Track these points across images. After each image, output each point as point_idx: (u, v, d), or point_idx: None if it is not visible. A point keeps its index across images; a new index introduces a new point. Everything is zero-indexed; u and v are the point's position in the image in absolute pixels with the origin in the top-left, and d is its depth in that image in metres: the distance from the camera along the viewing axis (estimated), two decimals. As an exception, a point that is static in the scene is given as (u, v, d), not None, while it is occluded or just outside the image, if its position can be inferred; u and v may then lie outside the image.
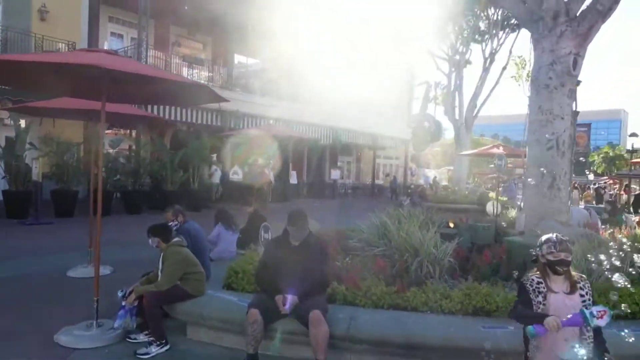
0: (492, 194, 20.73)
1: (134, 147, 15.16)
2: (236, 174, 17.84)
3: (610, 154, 55.62)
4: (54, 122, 13.36)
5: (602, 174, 46.16)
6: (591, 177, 36.19)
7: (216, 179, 16.85)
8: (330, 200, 22.78)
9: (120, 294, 4.24)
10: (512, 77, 21.23)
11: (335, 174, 23.30)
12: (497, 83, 21.40)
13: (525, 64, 17.48)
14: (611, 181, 31.40)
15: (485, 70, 20.88)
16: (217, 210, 5.96)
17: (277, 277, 3.81)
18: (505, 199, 18.41)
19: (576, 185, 23.18)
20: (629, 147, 26.11)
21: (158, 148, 14.55)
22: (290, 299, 3.66)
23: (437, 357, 3.57)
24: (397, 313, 3.97)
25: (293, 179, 22.07)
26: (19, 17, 14.15)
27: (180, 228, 5.00)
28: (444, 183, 34.16)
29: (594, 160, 58.58)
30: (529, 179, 6.22)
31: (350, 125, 24.22)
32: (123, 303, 4.17)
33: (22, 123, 11.78)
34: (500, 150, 11.61)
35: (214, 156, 16.45)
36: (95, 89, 4.38)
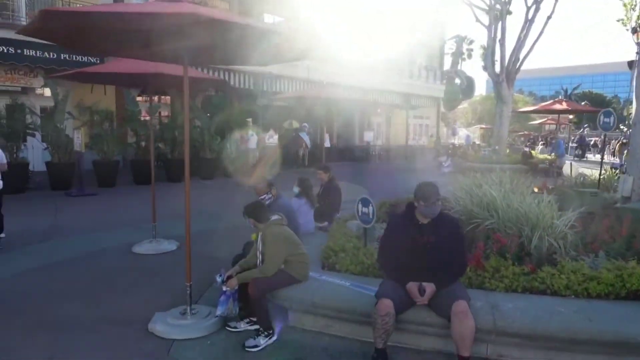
0: (540, 154, 19.88)
1: (170, 114, 14.64)
2: (272, 138, 17.32)
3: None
4: (91, 88, 12.91)
5: None
6: None
7: (252, 144, 16.34)
8: (366, 163, 22.19)
9: (219, 279, 3.81)
10: (618, 20, 19.11)
11: (368, 135, 22.56)
12: (541, 34, 19.95)
13: (635, 5, 15.60)
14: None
15: (529, 21, 19.42)
16: (298, 179, 5.40)
17: (404, 261, 3.31)
18: (552, 156, 17.58)
19: None
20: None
21: (196, 115, 14.00)
22: (428, 287, 3.17)
23: (604, 354, 3.07)
24: (542, 299, 3.45)
25: (327, 143, 21.42)
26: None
27: (272, 203, 4.50)
28: (477, 142, 33.18)
29: None
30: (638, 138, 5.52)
31: (381, 85, 23.22)
32: (224, 289, 3.75)
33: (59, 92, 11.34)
34: (564, 105, 10.67)
35: (249, 120, 15.86)
36: (173, 49, 3.78)
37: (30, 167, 11.15)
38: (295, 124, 19.10)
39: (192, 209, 4.29)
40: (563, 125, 39.35)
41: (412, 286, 3.21)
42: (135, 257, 6.10)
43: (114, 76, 6.36)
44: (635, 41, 11.15)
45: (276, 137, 17.54)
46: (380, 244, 3.62)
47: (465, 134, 27.27)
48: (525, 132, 40.62)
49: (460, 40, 33.98)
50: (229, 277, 3.80)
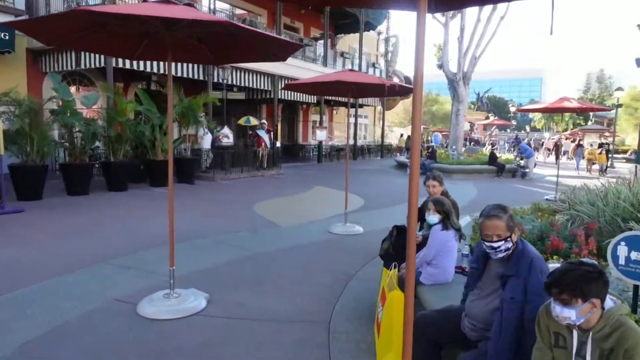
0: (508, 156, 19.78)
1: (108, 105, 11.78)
2: (227, 137, 15.04)
3: None
4: None
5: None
6: None
7: (206, 143, 13.98)
8: (323, 164, 20.69)
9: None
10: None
11: (321, 134, 20.91)
12: (493, 34, 19.88)
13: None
14: None
15: (479, 20, 19.25)
16: (433, 201, 3.55)
17: None
18: (519, 159, 17.40)
19: None
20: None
21: (146, 108, 11.36)
22: None
23: None
24: None
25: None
26: None
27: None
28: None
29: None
30: None
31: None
32: None
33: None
34: (574, 103, 10.02)
35: (202, 116, 13.48)
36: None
37: None
38: (254, 121, 16.96)
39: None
40: (476, 128, 41.46)
41: None
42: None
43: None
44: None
45: (232, 136, 15.30)
46: None
47: (435, 134, 26.75)
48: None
49: (397, 40, 33.90)
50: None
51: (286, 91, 19.06)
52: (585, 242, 3.78)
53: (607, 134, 30.38)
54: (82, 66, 12.67)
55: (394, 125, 41.94)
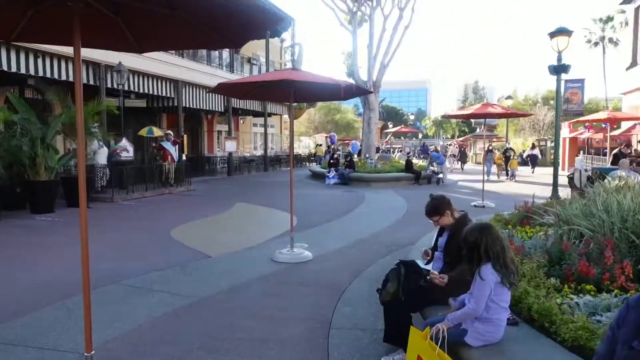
0: (420, 162, 20.02)
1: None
2: (126, 151, 13.08)
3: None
4: None
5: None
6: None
7: (101, 159, 11.92)
8: (235, 177, 19.29)
9: None
10: None
11: (230, 145, 19.58)
12: (399, 44, 20.25)
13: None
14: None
15: (394, 29, 19.52)
16: (471, 231, 2.57)
17: None
18: (432, 167, 17.70)
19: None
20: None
21: (24, 119, 9.14)
22: None
23: None
24: None
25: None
26: None
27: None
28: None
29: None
30: None
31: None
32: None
33: None
34: (498, 109, 10.14)
35: (95, 126, 11.45)
36: None
37: None
38: (157, 132, 15.06)
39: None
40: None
41: None
42: None
43: None
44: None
45: (131, 149, 13.34)
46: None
47: (353, 142, 26.32)
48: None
49: (300, 48, 33.62)
50: None
51: (190, 99, 17.41)
52: (617, 264, 3.22)
53: (494, 139, 32.96)
54: None
55: (299, 134, 41.51)
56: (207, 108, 19.20)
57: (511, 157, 19.08)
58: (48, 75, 11.44)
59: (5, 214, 8.76)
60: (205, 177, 18.35)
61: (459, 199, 12.42)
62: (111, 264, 5.61)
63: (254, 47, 27.94)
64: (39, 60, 11.13)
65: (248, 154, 24.60)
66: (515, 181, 17.72)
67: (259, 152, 27.95)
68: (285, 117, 32.92)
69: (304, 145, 34.35)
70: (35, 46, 10.72)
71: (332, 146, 16.55)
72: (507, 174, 18.97)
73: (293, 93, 5.71)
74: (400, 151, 27.00)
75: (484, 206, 10.67)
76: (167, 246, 6.78)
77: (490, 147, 19.90)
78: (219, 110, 20.89)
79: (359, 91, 6.05)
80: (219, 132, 25.29)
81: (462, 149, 19.66)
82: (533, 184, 15.26)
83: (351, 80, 21.91)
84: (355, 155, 17.54)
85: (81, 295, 2.55)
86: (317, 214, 9.79)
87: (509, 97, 23.62)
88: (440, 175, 16.82)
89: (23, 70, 10.80)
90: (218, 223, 9.04)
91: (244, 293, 4.69)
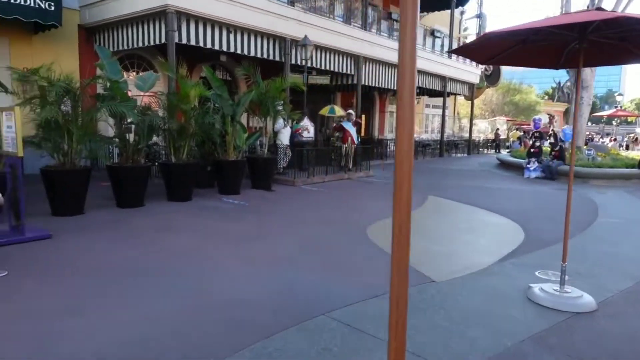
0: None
1: (165, 91, 9.34)
2: (307, 131, 12.36)
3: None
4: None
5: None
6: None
7: (285, 138, 11.34)
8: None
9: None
10: None
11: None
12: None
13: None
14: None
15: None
16: None
17: None
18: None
19: None
20: None
21: (216, 93, 8.84)
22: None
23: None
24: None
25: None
26: None
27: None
28: (503, 137, 29.15)
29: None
30: None
31: (423, 65, 18.58)
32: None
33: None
34: None
35: (281, 104, 10.79)
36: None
37: None
38: (339, 111, 14.19)
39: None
40: (556, 120, 36.34)
41: None
42: None
43: None
44: None
45: (312, 129, 12.61)
46: None
47: (564, 128, 22.67)
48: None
49: (483, 19, 30.08)
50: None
51: (368, 76, 16.04)
52: None
53: None
54: (140, 44, 10.42)
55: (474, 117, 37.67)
56: (384, 86, 17.70)
57: None
58: (238, 51, 11.13)
59: (196, 192, 8.55)
60: (376, 161, 17.04)
61: None
62: (311, 277, 4.42)
63: (431, 20, 25.45)
64: (231, 36, 10.83)
65: (423, 138, 22.59)
66: None
67: (430, 136, 25.74)
68: (461, 98, 29.84)
69: (479, 129, 30.83)
70: (228, 20, 10.42)
71: (536, 132, 13.65)
72: None
73: (584, 50, 3.67)
74: (614, 140, 21.90)
75: None
76: (369, 253, 5.41)
77: None
78: (394, 89, 19.27)
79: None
80: (391, 112, 23.79)
81: None
82: None
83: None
84: (567, 144, 14.20)
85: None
86: (539, 222, 7.49)
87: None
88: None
89: (217, 47, 10.63)
90: (417, 224, 7.42)
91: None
